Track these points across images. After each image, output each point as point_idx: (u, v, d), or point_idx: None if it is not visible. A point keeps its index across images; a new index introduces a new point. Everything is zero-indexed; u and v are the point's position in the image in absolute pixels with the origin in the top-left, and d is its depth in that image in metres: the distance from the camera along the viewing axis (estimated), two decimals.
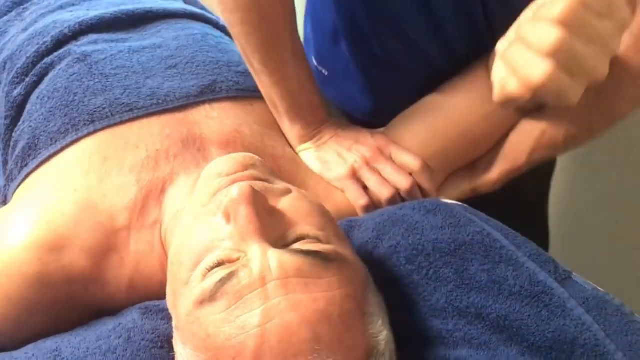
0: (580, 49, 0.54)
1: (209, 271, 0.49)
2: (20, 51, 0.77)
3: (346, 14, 0.77)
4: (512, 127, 0.70)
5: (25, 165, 0.68)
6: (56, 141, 0.67)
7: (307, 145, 0.73)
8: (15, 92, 0.74)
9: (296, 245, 0.50)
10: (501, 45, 0.60)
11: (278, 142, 0.72)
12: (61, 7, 0.83)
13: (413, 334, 0.57)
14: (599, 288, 0.59)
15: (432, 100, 0.74)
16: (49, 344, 0.57)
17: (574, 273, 0.61)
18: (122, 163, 0.64)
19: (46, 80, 0.73)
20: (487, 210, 0.68)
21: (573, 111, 0.62)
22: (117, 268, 0.61)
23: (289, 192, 0.55)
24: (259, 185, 0.53)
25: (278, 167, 0.69)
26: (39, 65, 0.74)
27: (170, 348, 0.55)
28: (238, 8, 0.66)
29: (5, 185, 0.72)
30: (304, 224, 0.52)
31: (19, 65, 0.75)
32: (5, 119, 0.74)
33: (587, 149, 1.10)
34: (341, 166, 0.71)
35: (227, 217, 0.50)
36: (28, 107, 0.73)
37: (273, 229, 0.50)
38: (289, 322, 0.45)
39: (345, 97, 0.86)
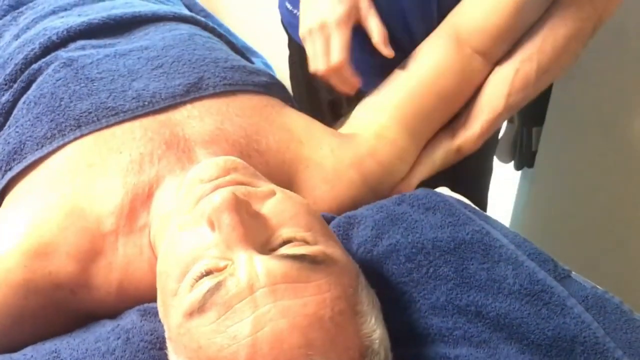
0: None
1: (197, 281, 0.48)
2: (10, 59, 0.77)
3: None
4: (483, 81, 0.76)
5: (10, 169, 0.67)
6: (42, 146, 0.66)
7: None
8: (4, 99, 0.74)
9: (283, 250, 0.49)
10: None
11: (262, 134, 0.70)
12: (53, 12, 0.82)
13: (413, 332, 0.57)
14: (598, 286, 0.60)
15: (403, 67, 0.77)
16: (48, 345, 0.56)
17: (573, 272, 0.61)
18: (107, 168, 0.64)
19: (33, 86, 0.73)
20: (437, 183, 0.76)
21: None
22: (105, 273, 0.61)
23: (273, 194, 0.54)
24: (241, 190, 0.52)
25: (265, 161, 0.68)
26: (27, 72, 0.74)
27: None
28: None
29: None
30: (290, 226, 0.51)
31: (7, 72, 0.75)
32: None
33: (583, 145, 1.11)
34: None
35: (212, 225, 0.49)
36: (14, 112, 0.72)
37: (258, 234, 0.49)
38: (280, 329, 0.44)
39: None
